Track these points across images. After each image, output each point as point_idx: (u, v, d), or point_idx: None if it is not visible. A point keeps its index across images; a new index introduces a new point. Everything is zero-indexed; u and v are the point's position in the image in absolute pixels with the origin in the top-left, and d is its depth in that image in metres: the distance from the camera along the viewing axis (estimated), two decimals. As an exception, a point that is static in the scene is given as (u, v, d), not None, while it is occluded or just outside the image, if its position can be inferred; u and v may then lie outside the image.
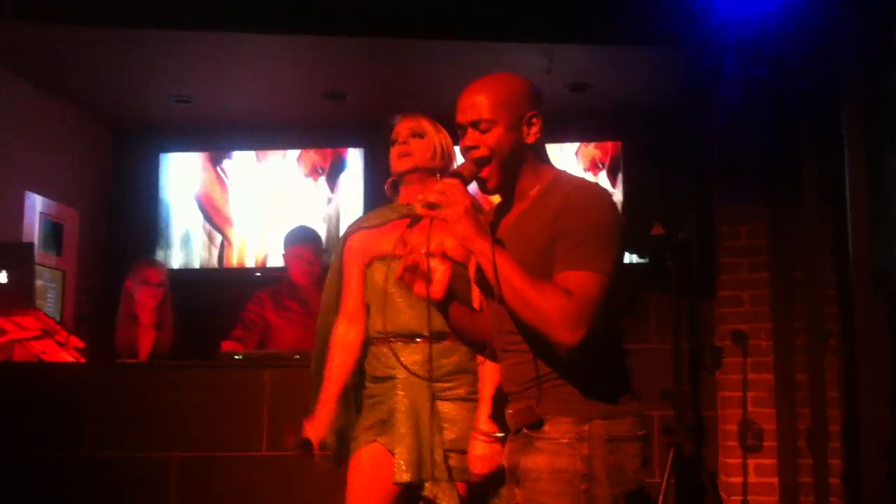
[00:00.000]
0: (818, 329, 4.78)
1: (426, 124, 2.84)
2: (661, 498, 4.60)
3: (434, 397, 2.66)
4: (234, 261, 6.11)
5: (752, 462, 5.03)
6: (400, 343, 2.70)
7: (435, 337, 2.65)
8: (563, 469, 1.98)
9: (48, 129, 5.56)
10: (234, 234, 6.13)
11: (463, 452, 2.63)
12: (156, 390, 3.78)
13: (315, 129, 6.00)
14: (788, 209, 4.97)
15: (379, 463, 2.66)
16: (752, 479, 5.03)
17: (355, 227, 2.92)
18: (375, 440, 2.68)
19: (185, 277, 5.81)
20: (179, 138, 6.12)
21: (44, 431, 3.68)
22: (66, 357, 4.12)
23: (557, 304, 1.89)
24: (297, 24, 4.49)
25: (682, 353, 4.87)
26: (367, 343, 2.80)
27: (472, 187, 2.09)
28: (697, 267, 5.12)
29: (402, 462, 2.61)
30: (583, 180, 2.13)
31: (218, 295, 5.51)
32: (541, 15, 4.43)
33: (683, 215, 5.19)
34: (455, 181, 2.02)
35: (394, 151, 2.82)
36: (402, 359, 2.64)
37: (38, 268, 4.84)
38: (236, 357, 3.91)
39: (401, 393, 2.67)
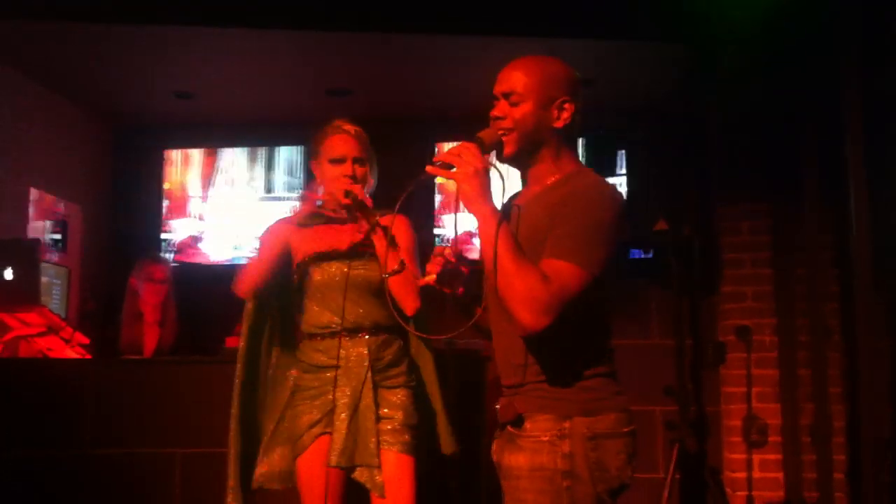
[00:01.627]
0: (821, 325, 4.78)
1: (364, 142, 2.88)
2: (665, 494, 4.60)
3: (377, 386, 2.76)
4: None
5: (756, 457, 5.03)
6: (345, 337, 2.78)
7: (374, 330, 2.80)
8: (544, 467, 1.98)
9: (51, 127, 5.57)
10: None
11: (410, 427, 2.77)
12: (160, 386, 3.78)
13: (318, 125, 5.99)
14: (789, 205, 4.97)
15: (326, 451, 2.74)
16: (756, 474, 5.03)
17: (277, 221, 2.97)
18: (324, 432, 2.75)
19: (189, 273, 5.81)
20: (182, 134, 6.13)
21: (48, 428, 3.67)
22: (71, 353, 4.13)
23: (531, 286, 1.89)
24: (300, 20, 4.49)
25: (684, 349, 4.87)
26: (305, 336, 2.87)
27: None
28: (699, 263, 5.12)
29: (337, 448, 2.71)
30: (597, 177, 2.12)
31: (221, 290, 5.50)
32: (544, 10, 4.42)
33: (685, 211, 5.19)
34: (472, 145, 2.03)
35: (335, 170, 2.84)
36: (347, 351, 2.76)
37: (42, 264, 4.85)
38: (240, 353, 3.90)
39: (342, 383, 2.75)
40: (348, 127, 2.89)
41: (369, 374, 2.75)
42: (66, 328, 4.24)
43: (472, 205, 1.97)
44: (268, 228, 2.95)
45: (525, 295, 1.89)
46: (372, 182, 2.88)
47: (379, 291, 2.77)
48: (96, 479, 3.63)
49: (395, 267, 2.55)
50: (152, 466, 3.66)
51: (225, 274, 5.85)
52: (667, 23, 4.37)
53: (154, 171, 6.10)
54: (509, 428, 2.07)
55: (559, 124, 2.09)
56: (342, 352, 2.77)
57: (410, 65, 5.15)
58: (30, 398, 3.70)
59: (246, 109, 5.87)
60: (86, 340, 4.27)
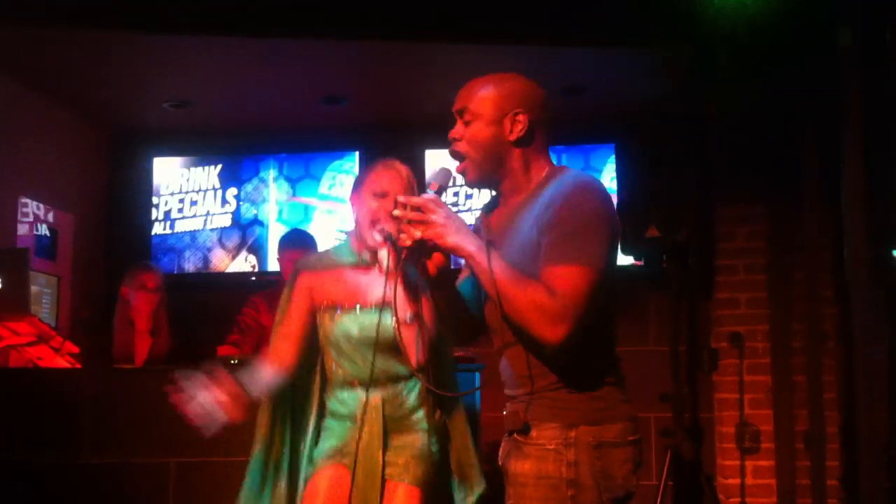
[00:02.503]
0: (817, 331, 4.79)
1: (411, 184, 2.84)
2: (658, 500, 4.60)
3: (388, 434, 2.77)
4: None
5: (749, 464, 5.04)
6: (362, 388, 2.78)
7: (392, 381, 2.80)
8: (549, 475, 1.99)
9: (44, 134, 5.53)
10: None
11: (422, 460, 2.78)
12: (152, 395, 3.74)
13: (314, 133, 5.99)
14: (788, 207, 4.98)
15: (336, 483, 2.74)
16: (749, 480, 5.05)
17: (307, 266, 2.94)
18: (337, 463, 2.76)
19: (181, 282, 5.79)
20: (176, 143, 6.10)
21: (40, 438, 3.65)
22: (62, 363, 4.10)
23: (539, 304, 1.89)
24: (295, 27, 4.49)
25: (679, 355, 4.87)
26: (325, 382, 2.89)
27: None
28: (695, 269, 5.12)
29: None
30: (578, 174, 2.12)
31: (214, 299, 5.49)
32: (537, 17, 4.43)
33: (681, 217, 5.19)
34: (429, 198, 2.02)
35: (376, 204, 2.78)
36: (364, 405, 2.76)
37: (32, 273, 4.82)
38: (232, 362, 3.89)
39: (359, 433, 2.75)
40: (399, 166, 2.84)
41: (381, 430, 2.75)
42: (55, 337, 4.21)
43: (459, 251, 1.97)
44: (297, 284, 2.88)
45: (537, 314, 1.89)
46: None
47: (395, 343, 2.75)
48: (90, 489, 3.61)
49: (407, 317, 2.62)
50: (146, 476, 3.64)
51: (220, 283, 5.91)
52: (665, 24, 4.38)
53: (148, 180, 6.06)
54: (515, 435, 2.07)
55: (513, 136, 2.10)
56: (356, 407, 2.78)
57: (407, 72, 5.14)
58: (21, 408, 3.68)
59: (241, 117, 5.85)
60: (76, 349, 4.24)
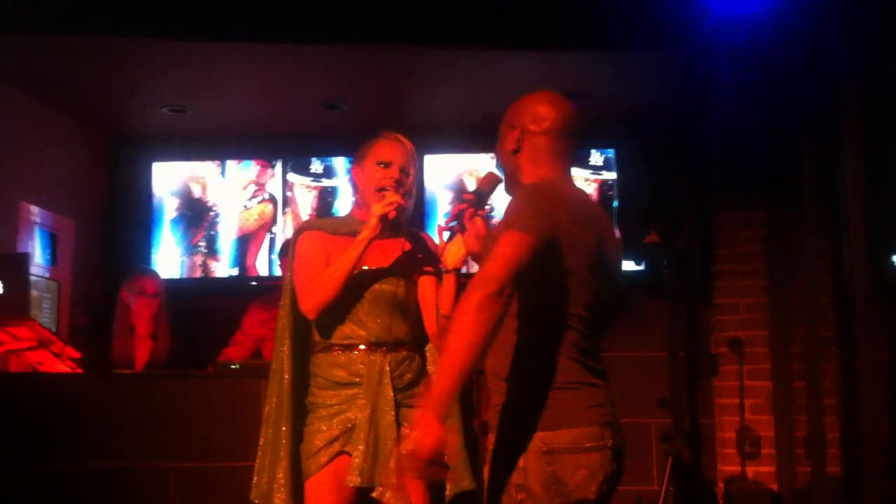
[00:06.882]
0: (815, 336, 4.78)
1: (413, 156, 2.89)
2: (660, 505, 4.60)
3: (398, 404, 2.73)
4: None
5: (750, 469, 5.03)
6: (365, 351, 2.76)
7: (395, 346, 2.78)
8: (500, 480, 2.02)
9: (44, 140, 5.54)
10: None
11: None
12: (152, 400, 3.76)
13: (313, 138, 6.00)
14: (785, 215, 4.98)
15: (343, 470, 2.70)
16: (750, 486, 5.03)
17: (314, 227, 2.95)
18: (341, 451, 2.72)
19: (181, 287, 5.79)
20: (176, 148, 6.10)
21: (40, 443, 3.65)
22: (62, 368, 4.10)
23: (470, 296, 1.88)
24: (294, 32, 4.50)
25: (679, 360, 4.86)
26: (319, 348, 2.83)
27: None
28: (694, 274, 5.12)
29: (357, 466, 2.67)
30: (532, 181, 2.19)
31: (214, 304, 5.50)
32: (537, 23, 4.44)
33: (680, 223, 5.20)
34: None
35: (380, 173, 2.81)
36: (367, 366, 2.74)
37: (33, 278, 4.82)
38: (232, 366, 3.90)
39: (362, 401, 2.72)
40: (401, 137, 2.88)
41: (391, 392, 2.72)
42: (56, 342, 4.21)
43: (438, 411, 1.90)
44: (304, 237, 2.87)
45: (472, 306, 1.87)
46: (411, 203, 2.86)
47: (403, 307, 2.79)
48: (90, 495, 3.61)
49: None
50: (146, 481, 3.64)
51: (218, 288, 5.92)
52: (662, 31, 4.39)
53: (148, 185, 6.07)
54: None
55: (510, 148, 2.21)
56: (362, 367, 2.74)
57: (405, 77, 5.15)
58: (22, 412, 3.68)
59: (241, 123, 5.86)
60: (77, 354, 4.24)
